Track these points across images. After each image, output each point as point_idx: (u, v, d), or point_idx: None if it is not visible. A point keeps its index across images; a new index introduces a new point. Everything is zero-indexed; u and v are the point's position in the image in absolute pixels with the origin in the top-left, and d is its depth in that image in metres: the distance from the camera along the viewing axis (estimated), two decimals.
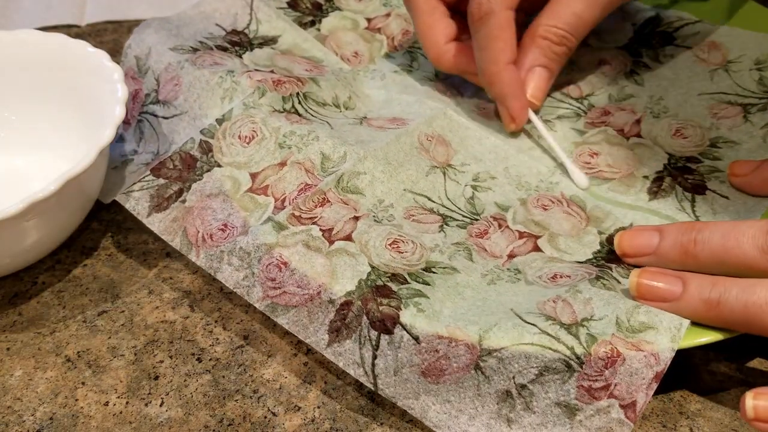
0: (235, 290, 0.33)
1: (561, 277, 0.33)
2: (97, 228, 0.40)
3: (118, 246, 0.39)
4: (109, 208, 0.41)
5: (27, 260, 0.37)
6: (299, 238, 0.34)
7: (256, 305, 0.33)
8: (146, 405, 0.32)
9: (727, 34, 0.46)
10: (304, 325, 0.32)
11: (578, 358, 0.29)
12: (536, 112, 0.43)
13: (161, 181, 0.37)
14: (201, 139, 0.38)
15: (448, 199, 0.38)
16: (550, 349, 0.29)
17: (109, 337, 0.35)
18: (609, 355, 0.29)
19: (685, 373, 0.33)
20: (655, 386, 0.29)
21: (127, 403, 0.32)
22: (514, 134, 0.43)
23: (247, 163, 0.37)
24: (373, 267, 0.33)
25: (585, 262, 0.35)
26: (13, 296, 0.37)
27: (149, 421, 0.32)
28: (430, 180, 0.39)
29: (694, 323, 0.30)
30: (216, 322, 0.36)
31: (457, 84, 0.46)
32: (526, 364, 0.29)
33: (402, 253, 0.34)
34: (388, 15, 0.51)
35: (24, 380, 0.33)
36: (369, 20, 0.50)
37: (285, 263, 0.33)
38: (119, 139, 0.42)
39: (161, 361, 0.34)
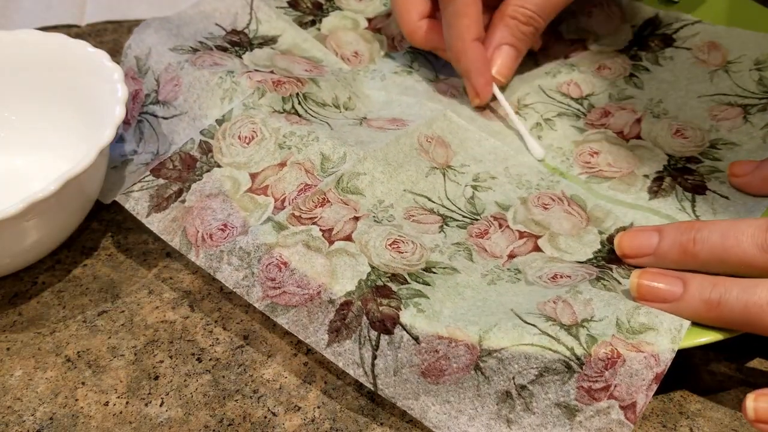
0: (234, 290, 0.33)
1: (561, 277, 0.33)
2: (97, 228, 0.40)
3: (118, 246, 0.39)
4: (109, 208, 0.41)
5: (27, 260, 0.37)
6: (299, 238, 0.34)
7: (256, 305, 0.33)
8: (146, 405, 0.32)
9: (726, 35, 0.46)
10: (304, 325, 0.32)
11: (578, 358, 0.29)
12: (503, 89, 0.45)
13: (161, 181, 0.37)
14: (201, 140, 0.38)
15: (448, 199, 0.38)
16: (550, 349, 0.29)
17: (109, 337, 0.35)
18: (609, 356, 0.29)
19: (685, 373, 0.33)
20: (655, 387, 0.29)
21: (127, 403, 0.32)
22: (513, 136, 0.43)
23: (247, 163, 0.37)
24: (373, 267, 0.33)
25: (585, 262, 0.35)
26: (13, 296, 0.37)
27: (149, 421, 0.32)
28: (430, 181, 0.39)
29: (695, 323, 0.30)
30: (216, 322, 0.36)
31: (457, 84, 0.47)
32: (526, 364, 0.29)
33: (402, 253, 0.34)
34: (388, 15, 0.51)
35: (24, 380, 0.33)
36: (369, 20, 0.50)
37: (285, 263, 0.33)
38: (119, 139, 0.42)
39: (161, 361, 0.34)
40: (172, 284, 0.37)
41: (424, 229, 0.36)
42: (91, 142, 0.34)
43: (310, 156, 0.38)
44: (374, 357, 0.31)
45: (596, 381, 0.29)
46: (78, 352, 0.34)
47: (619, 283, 0.33)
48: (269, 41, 0.47)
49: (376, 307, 0.31)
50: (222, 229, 0.35)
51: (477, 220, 0.37)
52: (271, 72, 0.42)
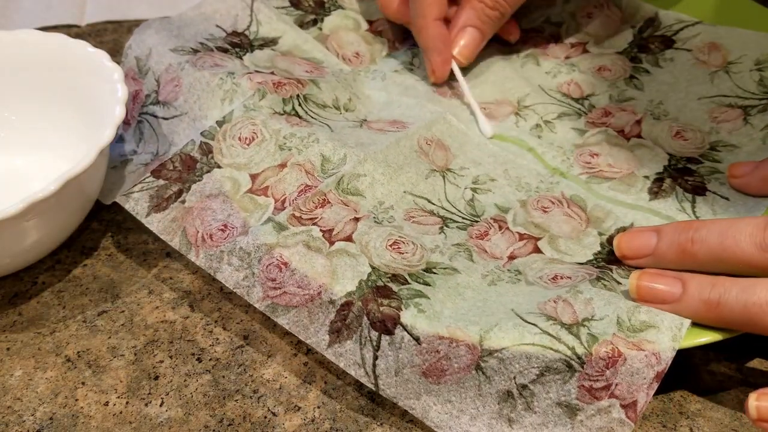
0: (235, 290, 0.33)
1: (561, 278, 0.33)
2: (97, 228, 0.40)
3: (118, 246, 0.39)
4: (109, 208, 0.41)
5: (27, 260, 0.37)
6: (300, 238, 0.34)
7: (256, 305, 0.33)
8: (146, 405, 0.32)
9: (727, 35, 0.46)
10: (305, 326, 0.32)
11: (579, 358, 0.29)
12: (464, 70, 0.46)
13: (161, 182, 0.37)
14: (201, 141, 0.38)
15: (448, 201, 0.38)
16: (551, 349, 0.29)
17: (109, 337, 0.35)
18: (610, 355, 0.29)
19: (685, 373, 0.33)
20: (656, 386, 0.29)
21: (127, 403, 0.32)
22: (512, 139, 0.43)
23: (247, 164, 0.37)
24: (373, 267, 0.33)
25: (585, 263, 0.35)
26: (13, 296, 0.37)
27: (149, 421, 0.32)
28: (430, 183, 0.39)
29: (695, 323, 0.30)
30: (216, 322, 0.36)
31: (457, 85, 0.47)
32: (527, 364, 0.29)
33: (402, 253, 0.34)
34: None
35: (24, 380, 0.33)
36: (371, 22, 0.50)
37: (285, 263, 0.33)
38: (119, 139, 0.42)
39: (161, 361, 0.34)
40: (172, 284, 0.37)
41: (424, 230, 0.36)
42: (91, 142, 0.34)
43: (311, 157, 0.38)
44: (375, 357, 0.31)
45: (597, 380, 0.29)
46: (78, 352, 0.34)
47: (619, 283, 0.33)
48: (270, 42, 0.47)
49: (376, 307, 0.31)
50: (222, 230, 0.35)
51: (477, 221, 0.37)
52: (272, 73, 0.43)
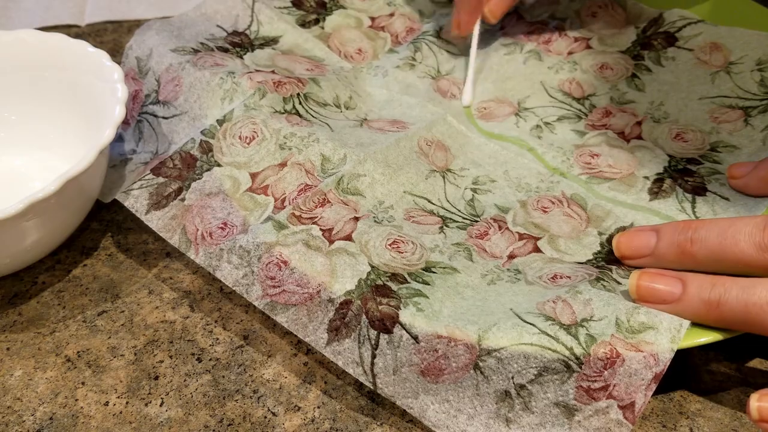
0: (234, 288, 0.33)
1: (561, 277, 0.33)
2: (97, 228, 0.40)
3: (118, 246, 0.39)
4: (109, 208, 0.41)
5: (27, 260, 0.37)
6: (299, 237, 0.34)
7: (255, 303, 0.33)
8: (146, 405, 0.32)
9: (728, 35, 0.46)
10: (304, 324, 0.32)
11: (577, 358, 0.29)
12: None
13: (161, 179, 0.37)
14: (201, 139, 0.38)
15: (448, 201, 0.38)
16: (549, 349, 0.29)
17: (109, 337, 0.35)
18: (608, 356, 0.29)
19: (685, 373, 0.33)
20: (654, 387, 0.29)
21: (127, 403, 0.32)
22: (512, 139, 0.43)
23: (247, 163, 0.37)
24: (372, 267, 0.33)
25: (585, 262, 0.35)
26: (13, 296, 0.37)
27: (149, 421, 0.32)
28: (430, 183, 0.39)
29: (695, 323, 0.30)
30: (216, 322, 0.36)
31: (458, 81, 0.47)
32: (525, 364, 0.29)
33: (402, 253, 0.34)
34: (391, 15, 0.51)
35: (24, 380, 0.33)
36: (373, 19, 0.50)
37: (285, 262, 0.33)
38: (118, 138, 0.42)
39: (161, 361, 0.34)
40: (172, 284, 0.37)
41: (424, 230, 0.36)
42: (91, 142, 0.34)
43: (311, 157, 0.38)
44: (373, 356, 0.31)
45: (595, 380, 0.29)
46: (78, 352, 0.34)
47: (619, 283, 0.33)
48: (270, 42, 0.47)
49: (375, 306, 0.31)
50: (222, 228, 0.35)
51: (477, 221, 0.37)
52: (272, 72, 0.43)
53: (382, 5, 0.51)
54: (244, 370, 0.34)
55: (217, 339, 0.35)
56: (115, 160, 0.41)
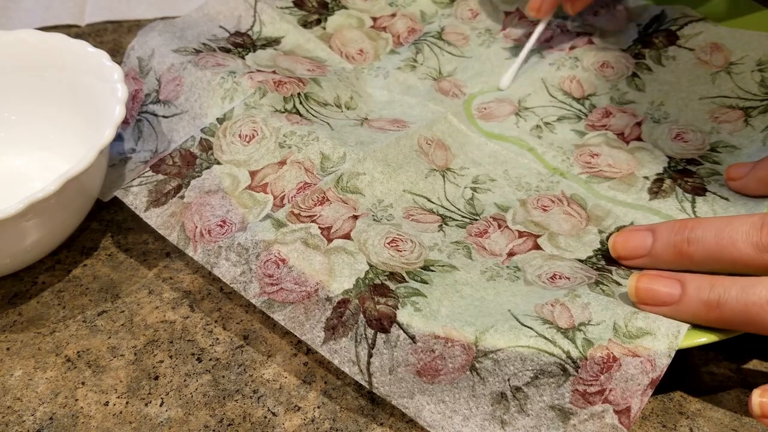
0: (231, 285, 0.33)
1: (560, 278, 0.33)
2: (97, 228, 0.40)
3: (118, 246, 0.39)
4: (109, 208, 0.41)
5: (27, 260, 0.37)
6: (298, 235, 0.34)
7: (253, 301, 0.33)
8: (146, 405, 0.32)
9: (729, 35, 0.46)
10: (301, 322, 0.32)
11: (574, 362, 0.29)
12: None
13: (160, 176, 0.37)
14: (201, 137, 0.38)
15: (448, 200, 0.38)
16: (546, 352, 0.29)
17: (109, 337, 0.35)
18: (605, 360, 0.29)
19: (685, 373, 0.33)
20: (650, 393, 0.28)
21: (127, 403, 0.32)
22: (513, 139, 0.43)
23: (247, 161, 0.37)
24: (371, 265, 0.33)
25: (585, 260, 0.35)
26: (13, 296, 0.37)
27: (149, 421, 0.32)
28: (430, 182, 0.39)
29: (694, 325, 0.30)
30: (216, 322, 0.36)
31: (459, 83, 0.47)
32: (522, 366, 0.29)
33: (401, 251, 0.34)
34: (393, 15, 0.51)
35: (24, 380, 0.33)
36: (375, 19, 0.50)
37: (283, 260, 0.33)
38: (117, 137, 0.42)
39: (161, 361, 0.34)
40: (172, 284, 0.37)
41: (423, 228, 0.36)
42: (91, 141, 0.34)
43: (310, 155, 0.38)
44: (370, 355, 0.31)
45: (591, 384, 0.29)
46: (78, 352, 0.34)
47: (619, 285, 0.33)
48: (272, 42, 0.47)
49: (373, 305, 0.31)
50: (221, 225, 0.35)
51: (476, 220, 0.37)
52: (273, 72, 0.43)
53: (384, 5, 0.52)
54: (244, 370, 0.34)
55: (217, 339, 0.35)
56: (115, 159, 0.41)
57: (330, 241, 0.34)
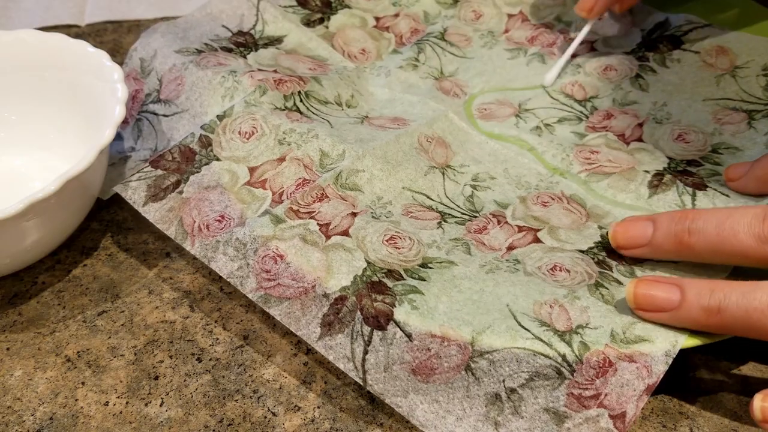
0: (228, 280, 0.33)
1: (561, 270, 0.33)
2: (97, 228, 0.40)
3: (118, 246, 0.39)
4: (109, 208, 0.41)
5: (27, 260, 0.37)
6: (296, 231, 0.34)
7: (249, 296, 0.33)
8: (146, 405, 0.32)
9: (735, 39, 0.46)
10: (297, 318, 0.32)
11: (569, 365, 0.29)
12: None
13: (159, 172, 0.37)
14: (201, 134, 0.38)
15: (447, 197, 0.38)
16: (542, 354, 0.29)
17: (109, 337, 0.35)
18: (601, 365, 0.28)
19: (685, 373, 0.33)
20: (645, 399, 0.28)
21: (127, 403, 0.32)
22: (512, 139, 0.43)
23: (246, 157, 0.38)
24: (369, 263, 0.33)
25: (587, 251, 0.35)
26: (13, 296, 0.37)
27: (149, 421, 0.32)
28: (429, 179, 0.39)
29: (693, 332, 0.30)
30: (216, 322, 0.36)
31: (460, 83, 0.47)
32: (517, 368, 0.29)
33: (399, 248, 0.34)
34: (396, 15, 0.51)
35: (24, 380, 0.33)
36: (378, 19, 0.50)
37: (281, 256, 0.33)
38: (117, 136, 0.42)
39: (161, 361, 0.34)
40: (172, 284, 0.37)
41: (422, 225, 0.36)
42: (91, 141, 0.34)
43: (309, 152, 0.38)
44: (366, 352, 0.31)
45: (587, 388, 0.28)
46: (78, 352, 0.34)
47: (620, 284, 0.33)
48: (275, 41, 0.47)
49: (370, 302, 0.31)
50: (219, 220, 0.35)
51: (476, 217, 0.37)
52: (274, 71, 0.43)
53: (388, 5, 0.52)
54: (244, 370, 0.34)
55: (217, 339, 0.35)
56: (114, 158, 0.41)
57: (328, 237, 0.34)
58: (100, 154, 0.34)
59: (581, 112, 0.44)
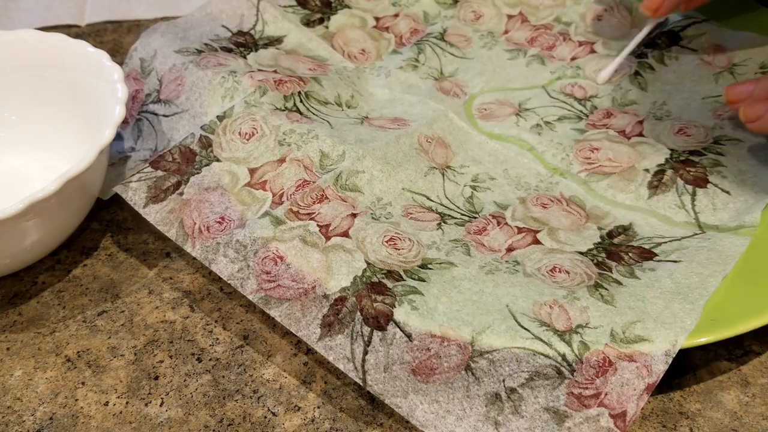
0: (228, 281, 0.33)
1: (560, 271, 0.33)
2: (97, 228, 0.40)
3: (118, 246, 0.39)
4: (109, 208, 0.41)
5: (27, 260, 0.37)
6: (296, 233, 0.34)
7: (249, 297, 0.33)
8: (146, 405, 0.32)
9: (733, 38, 0.46)
10: (297, 319, 0.32)
11: (569, 364, 0.29)
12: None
13: (159, 173, 0.37)
14: (201, 135, 0.38)
15: (447, 198, 0.38)
16: (542, 354, 0.29)
17: (109, 337, 0.35)
18: (600, 364, 0.29)
19: (685, 373, 0.33)
20: (645, 398, 0.28)
21: (127, 403, 0.32)
22: (512, 139, 0.43)
23: (246, 158, 0.38)
24: (369, 263, 0.33)
25: (586, 252, 0.35)
26: (13, 296, 0.37)
27: (149, 421, 0.32)
28: (429, 180, 0.39)
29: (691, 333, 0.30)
30: (216, 322, 0.36)
31: (460, 83, 0.47)
32: (517, 367, 0.29)
33: (399, 249, 0.34)
34: (396, 15, 0.51)
35: (24, 380, 0.33)
36: (377, 19, 0.50)
37: (281, 257, 0.33)
38: (116, 136, 0.42)
39: (161, 361, 0.34)
40: (172, 284, 0.37)
41: (421, 226, 0.36)
42: (91, 141, 0.34)
43: (309, 153, 0.38)
44: (365, 352, 0.31)
45: (587, 388, 0.28)
46: (78, 352, 0.34)
47: (620, 284, 0.33)
48: (275, 41, 0.47)
49: (370, 303, 0.31)
50: (219, 222, 0.35)
51: (475, 218, 0.37)
52: (274, 71, 0.43)
53: (387, 5, 0.52)
54: (244, 370, 0.34)
55: (217, 339, 0.35)
56: (114, 158, 0.41)
57: (328, 238, 0.34)
58: (100, 154, 0.34)
59: (581, 110, 0.45)
